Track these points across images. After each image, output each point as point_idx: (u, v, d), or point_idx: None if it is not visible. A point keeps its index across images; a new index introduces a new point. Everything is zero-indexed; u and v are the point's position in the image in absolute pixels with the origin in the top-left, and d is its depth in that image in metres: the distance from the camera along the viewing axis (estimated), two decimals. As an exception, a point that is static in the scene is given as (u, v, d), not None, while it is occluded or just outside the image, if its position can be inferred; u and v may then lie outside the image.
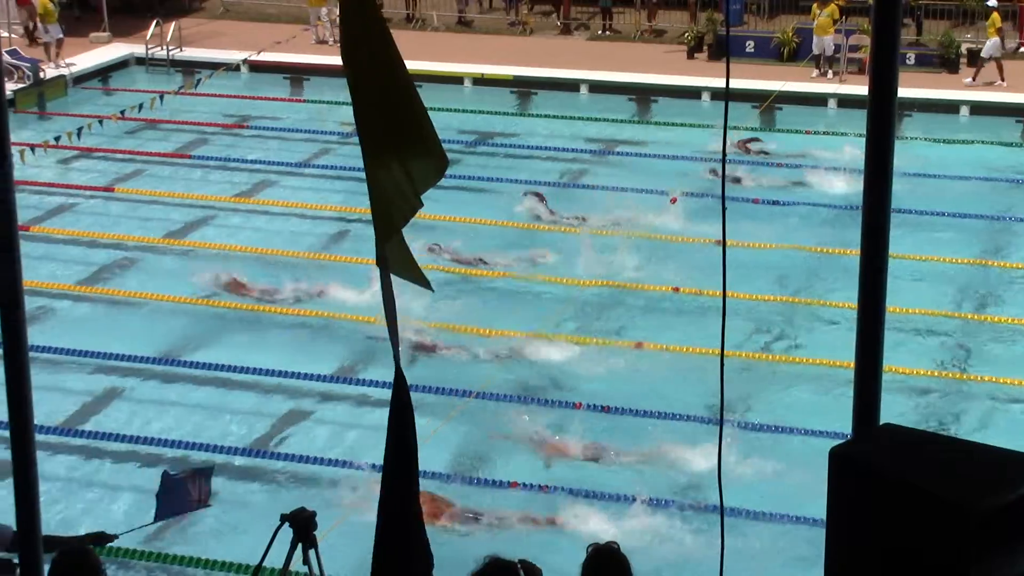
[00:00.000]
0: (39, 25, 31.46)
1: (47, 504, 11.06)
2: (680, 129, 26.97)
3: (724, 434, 6.28)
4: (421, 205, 4.91)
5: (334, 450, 15.06)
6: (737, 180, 23.23)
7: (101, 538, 9.56)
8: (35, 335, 15.61)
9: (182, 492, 9.77)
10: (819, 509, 4.35)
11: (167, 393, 16.67)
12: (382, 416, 14.81)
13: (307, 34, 33.62)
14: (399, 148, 4.79)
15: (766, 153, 25.35)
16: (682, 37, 32.74)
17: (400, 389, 4.90)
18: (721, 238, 5.39)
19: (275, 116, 28.43)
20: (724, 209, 5.37)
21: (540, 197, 22.49)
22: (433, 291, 5.15)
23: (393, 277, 4.84)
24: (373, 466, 14.33)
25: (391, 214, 4.79)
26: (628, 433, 15.30)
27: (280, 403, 16.34)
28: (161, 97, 26.85)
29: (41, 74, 29.79)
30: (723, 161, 5.38)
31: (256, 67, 31.32)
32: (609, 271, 19.79)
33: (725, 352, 5.47)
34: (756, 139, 25.83)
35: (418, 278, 4.95)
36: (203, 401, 16.45)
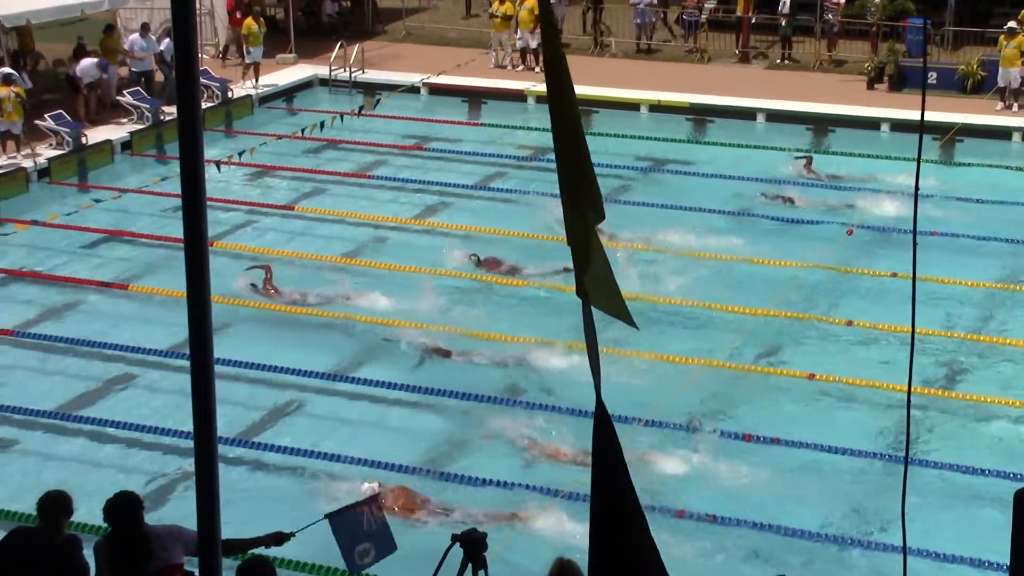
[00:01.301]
0: (243, 46, 32.35)
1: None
2: (857, 160, 26.62)
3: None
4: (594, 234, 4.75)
5: (508, 473, 15.15)
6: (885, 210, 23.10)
7: (279, 538, 9.64)
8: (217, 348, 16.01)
9: (355, 525, 9.58)
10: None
11: (342, 409, 17.00)
12: (553, 442, 15.01)
13: (486, 58, 34.02)
14: (585, 179, 4.70)
15: (835, 176, 25.28)
16: (862, 67, 32.36)
17: (603, 423, 4.74)
18: (911, 273, 5.36)
19: (452, 138, 28.80)
20: (915, 244, 5.43)
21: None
22: (637, 328, 4.87)
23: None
24: (542, 490, 14.52)
25: (590, 243, 4.62)
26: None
27: (438, 423, 16.57)
28: (341, 117, 27.40)
29: (229, 93, 30.66)
30: (915, 194, 5.34)
31: (435, 89, 31.81)
32: (783, 303, 19.70)
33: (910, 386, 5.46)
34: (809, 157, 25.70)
35: (620, 312, 4.76)
36: (372, 419, 16.74)
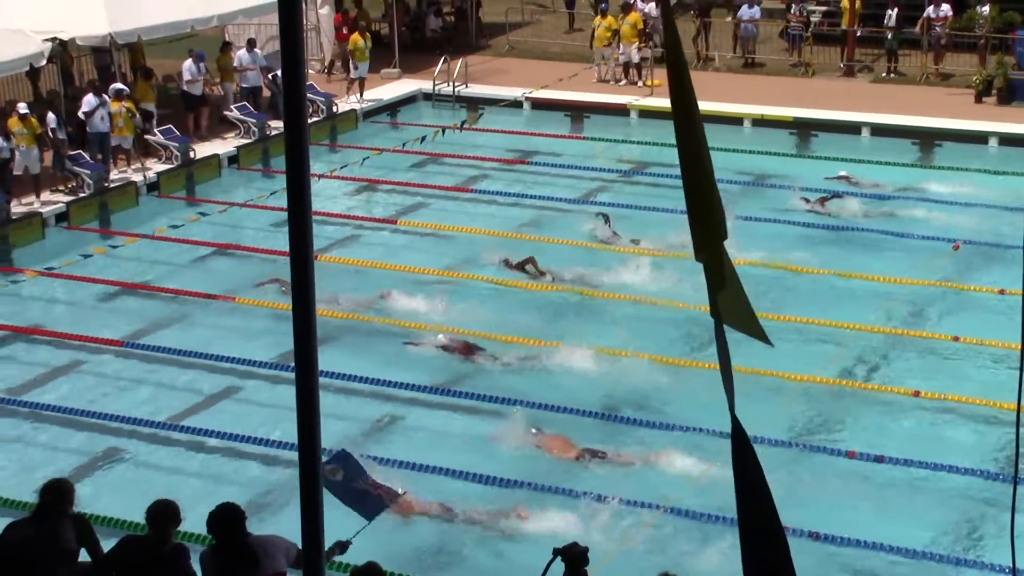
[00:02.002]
0: (349, 61, 32.68)
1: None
2: (964, 174, 26.23)
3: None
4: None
5: (617, 488, 15.11)
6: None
7: (342, 545, 9.97)
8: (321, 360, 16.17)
9: (357, 493, 10.28)
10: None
11: (444, 423, 17.10)
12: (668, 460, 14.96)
13: (589, 72, 34.05)
14: (714, 193, 4.54)
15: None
16: (970, 80, 31.92)
17: (741, 442, 4.64)
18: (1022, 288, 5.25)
19: (555, 152, 28.84)
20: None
21: (606, 219, 23.00)
22: (772, 345, 4.72)
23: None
24: (642, 504, 14.51)
25: (722, 260, 4.52)
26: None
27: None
28: (443, 131, 27.54)
29: (334, 108, 30.98)
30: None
31: (538, 104, 31.90)
32: (888, 319, 19.51)
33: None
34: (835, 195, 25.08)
35: (753, 330, 4.63)
36: (475, 433, 16.82)
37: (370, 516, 10.30)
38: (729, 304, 4.58)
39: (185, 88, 29.08)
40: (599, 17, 34.32)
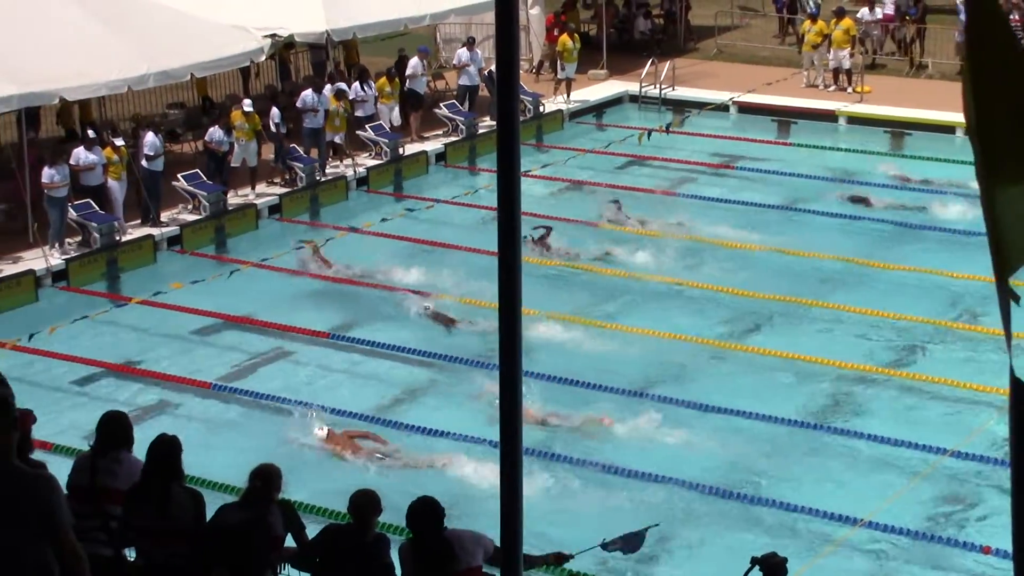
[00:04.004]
0: (558, 62, 32.91)
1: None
2: None
3: None
4: None
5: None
6: None
7: (561, 558, 10.11)
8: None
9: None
10: None
11: (651, 429, 17.15)
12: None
13: (798, 77, 33.67)
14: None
15: None
16: None
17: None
18: None
19: (760, 157, 28.62)
20: None
21: (618, 206, 23.50)
22: None
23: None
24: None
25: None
26: None
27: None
28: (649, 134, 27.53)
29: (541, 108, 31.23)
30: None
31: (744, 108, 31.66)
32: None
33: None
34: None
35: None
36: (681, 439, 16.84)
37: (634, 549, 10.46)
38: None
39: (409, 85, 29.49)
40: (809, 21, 33.90)
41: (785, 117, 31.45)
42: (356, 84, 28.14)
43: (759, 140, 29.78)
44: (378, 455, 16.12)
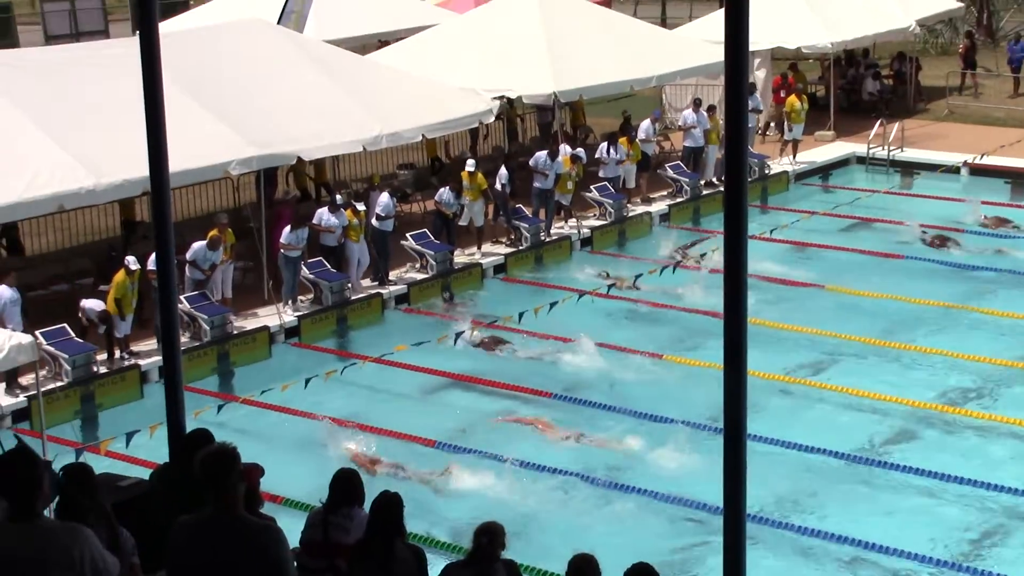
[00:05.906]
0: (784, 123, 32.76)
1: None
2: None
3: None
4: None
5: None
6: None
7: None
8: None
9: None
10: None
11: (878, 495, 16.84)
12: None
13: (1034, 139, 32.82)
14: None
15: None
16: None
17: None
18: None
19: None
20: None
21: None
22: None
23: None
24: None
25: None
26: None
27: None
28: (875, 195, 26.91)
29: (767, 170, 31.10)
30: None
31: (977, 170, 30.96)
32: None
33: None
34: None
35: None
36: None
37: None
38: None
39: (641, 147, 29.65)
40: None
41: (1020, 179, 30.59)
42: (604, 144, 28.43)
43: (992, 203, 28.78)
44: None
